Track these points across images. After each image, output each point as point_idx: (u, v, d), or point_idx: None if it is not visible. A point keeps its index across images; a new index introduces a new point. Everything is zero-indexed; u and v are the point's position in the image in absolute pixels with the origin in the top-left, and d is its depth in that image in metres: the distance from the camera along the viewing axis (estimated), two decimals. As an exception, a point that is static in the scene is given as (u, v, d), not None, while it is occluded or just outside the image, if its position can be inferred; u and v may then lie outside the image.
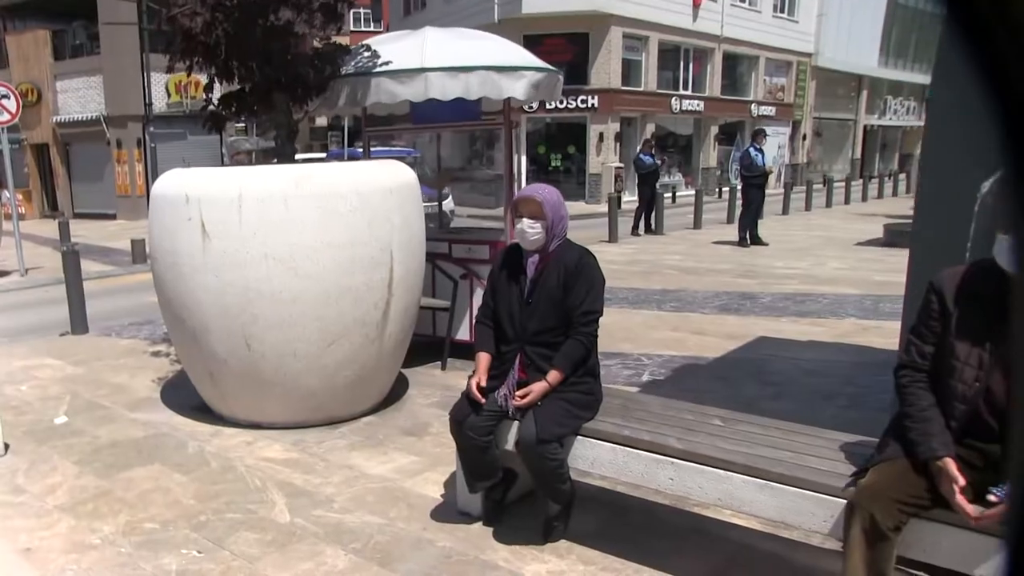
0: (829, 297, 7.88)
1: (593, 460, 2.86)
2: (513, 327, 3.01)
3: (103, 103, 21.19)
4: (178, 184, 4.29)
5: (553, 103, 23.48)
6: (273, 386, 4.31)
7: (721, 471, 2.53)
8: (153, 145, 19.82)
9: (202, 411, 4.66)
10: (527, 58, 5.02)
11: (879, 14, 36.01)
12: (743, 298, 7.94)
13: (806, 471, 2.39)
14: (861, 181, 24.03)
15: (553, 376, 2.91)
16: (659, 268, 10.17)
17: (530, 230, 2.95)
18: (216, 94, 5.30)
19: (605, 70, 23.26)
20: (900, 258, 10.68)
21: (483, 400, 2.94)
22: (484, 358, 3.07)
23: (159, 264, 4.45)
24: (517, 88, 4.74)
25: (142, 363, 5.98)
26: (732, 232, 14.05)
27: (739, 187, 14.16)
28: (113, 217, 21.05)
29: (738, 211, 14.84)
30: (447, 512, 3.32)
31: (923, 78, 40.62)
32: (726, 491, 2.52)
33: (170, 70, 5.43)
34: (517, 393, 2.93)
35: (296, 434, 4.30)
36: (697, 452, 2.59)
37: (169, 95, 20.48)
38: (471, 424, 2.97)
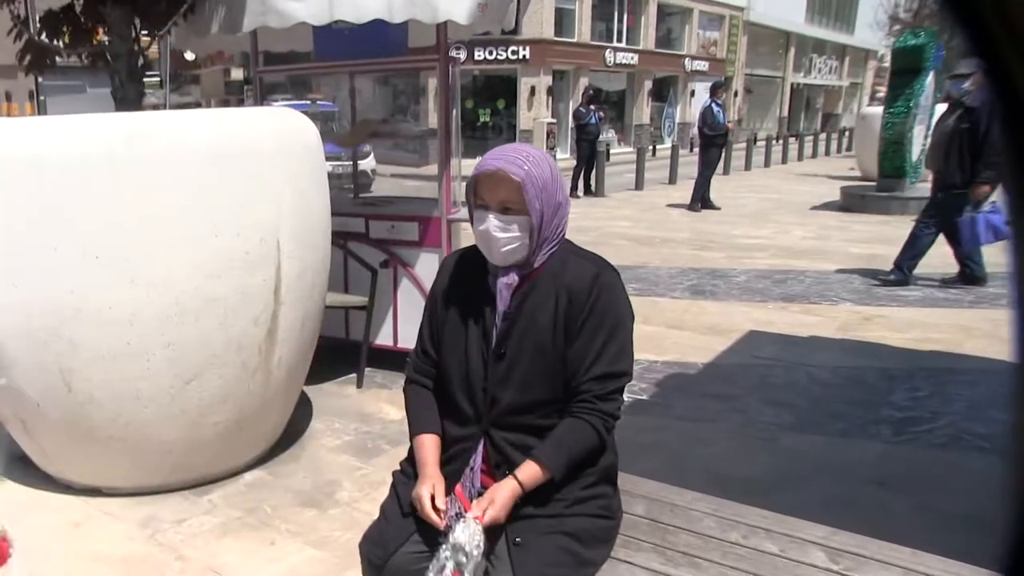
0: (810, 275, 6.89)
1: (614, 632, 1.66)
2: (471, 397, 1.68)
3: (-15, 50, 18.65)
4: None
5: (482, 54, 21.98)
6: (111, 440, 2.96)
7: None
8: (42, 98, 17.41)
9: (26, 463, 3.24)
10: (469, -31, 3.64)
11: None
12: (714, 276, 6.87)
13: None
14: (796, 140, 23.46)
15: (529, 473, 1.60)
16: (608, 237, 8.99)
17: (500, 234, 1.60)
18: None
19: (537, 19, 21.80)
20: (865, 225, 9.94)
21: (441, 524, 1.61)
22: (429, 447, 1.71)
23: None
24: (458, 7, 3.38)
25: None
26: (677, 193, 13.08)
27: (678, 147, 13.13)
28: (5, 176, 18.85)
29: (683, 171, 13.88)
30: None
31: (844, 37, 41.00)
32: None
33: None
34: (476, 503, 1.62)
35: (147, 505, 2.98)
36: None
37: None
38: (397, 567, 1.70)
